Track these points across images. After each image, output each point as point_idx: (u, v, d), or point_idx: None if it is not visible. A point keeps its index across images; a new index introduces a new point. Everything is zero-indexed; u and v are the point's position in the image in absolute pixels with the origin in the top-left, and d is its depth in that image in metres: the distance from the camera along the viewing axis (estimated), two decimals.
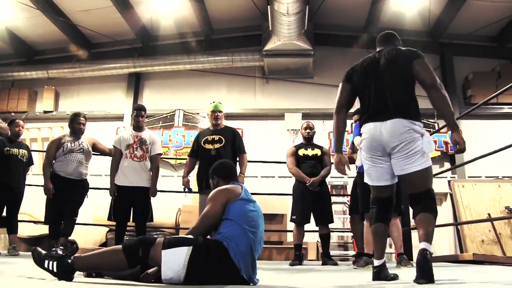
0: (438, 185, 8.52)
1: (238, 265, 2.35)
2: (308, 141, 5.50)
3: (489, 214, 7.68)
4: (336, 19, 10.11)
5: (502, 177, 9.18)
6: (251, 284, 2.40)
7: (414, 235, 7.39)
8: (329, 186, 6.42)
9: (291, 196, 5.47)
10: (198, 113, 10.36)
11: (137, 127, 5.09)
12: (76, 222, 5.04)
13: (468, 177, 9.17)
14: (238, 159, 5.03)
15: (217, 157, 4.42)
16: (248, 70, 10.53)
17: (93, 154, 5.28)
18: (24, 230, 7.21)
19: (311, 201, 5.15)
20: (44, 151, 5.29)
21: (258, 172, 9.42)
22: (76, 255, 2.33)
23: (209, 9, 9.77)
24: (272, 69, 10.36)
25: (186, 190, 4.96)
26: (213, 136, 4.82)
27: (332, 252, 5.83)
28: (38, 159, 9.75)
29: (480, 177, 9.18)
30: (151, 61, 10.28)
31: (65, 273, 2.26)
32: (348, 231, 8.07)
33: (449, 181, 8.88)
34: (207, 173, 4.32)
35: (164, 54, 10.34)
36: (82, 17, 9.68)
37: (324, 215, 5.21)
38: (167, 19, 9.67)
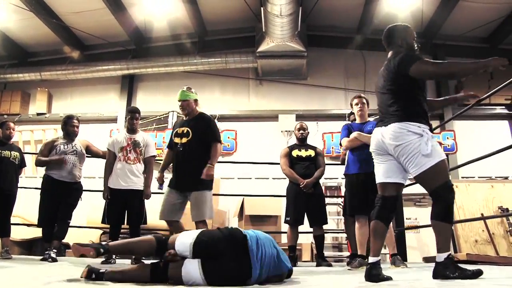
0: None
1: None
2: (302, 142, 5.50)
3: (482, 214, 7.71)
4: (330, 20, 10.14)
5: (495, 177, 9.24)
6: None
7: (408, 236, 7.44)
8: (323, 187, 6.43)
9: (285, 198, 5.46)
10: None
11: (131, 129, 5.07)
12: (70, 224, 5.01)
13: (461, 177, 9.23)
14: None
15: (184, 153, 4.14)
16: (242, 72, 10.53)
17: (86, 156, 5.26)
18: (17, 233, 7.17)
19: (305, 202, 5.14)
20: (37, 154, 5.24)
21: (252, 173, 9.44)
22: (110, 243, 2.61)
23: (202, 11, 9.77)
24: (266, 71, 10.37)
25: (159, 186, 4.54)
26: (182, 129, 4.25)
27: (326, 253, 5.84)
28: (32, 162, 9.70)
29: (473, 177, 9.24)
30: (145, 63, 10.27)
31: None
32: (342, 232, 8.09)
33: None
34: (176, 169, 4.22)
35: (158, 55, 10.33)
36: (75, 19, 9.65)
37: (318, 216, 5.21)
38: (160, 21, 9.66)
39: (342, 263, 6.38)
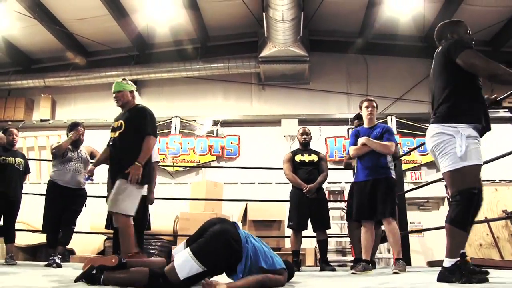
0: (436, 190, 8.56)
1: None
2: (305, 147, 5.50)
3: (486, 218, 7.68)
4: (331, 25, 10.17)
5: (499, 180, 9.20)
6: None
7: (412, 239, 7.42)
8: (326, 192, 6.42)
9: (288, 202, 5.46)
10: (195, 120, 10.38)
11: None
12: (74, 230, 5.02)
13: None
14: None
15: (114, 146, 3.89)
16: (244, 77, 10.56)
17: (90, 162, 5.28)
18: (22, 239, 7.18)
19: (308, 207, 5.14)
20: (41, 160, 5.26)
21: (255, 178, 9.45)
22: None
23: (204, 17, 9.81)
24: (268, 76, 10.40)
25: (85, 178, 4.39)
26: (117, 122, 3.98)
27: (330, 258, 5.83)
28: (35, 168, 9.74)
29: None
30: (147, 68, 10.31)
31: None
32: (346, 237, 8.07)
33: (446, 186, 8.89)
34: (110, 163, 3.98)
35: (160, 61, 10.38)
36: (79, 25, 9.72)
37: (321, 221, 5.21)
38: (163, 27, 9.70)
39: (346, 268, 6.38)
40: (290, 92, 10.55)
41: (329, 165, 5.92)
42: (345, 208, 6.07)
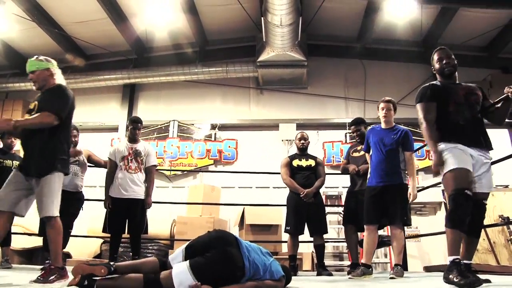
0: (432, 195, 8.57)
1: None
2: (302, 152, 5.52)
3: None
4: (330, 29, 10.20)
5: (496, 186, 9.22)
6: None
7: (409, 244, 7.42)
8: (323, 197, 6.43)
9: (285, 207, 5.46)
10: (193, 124, 10.38)
11: (133, 139, 5.11)
12: (71, 234, 5.01)
13: None
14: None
15: (25, 130, 3.35)
16: (243, 81, 10.58)
17: (88, 165, 5.28)
18: (18, 242, 7.16)
19: (305, 211, 5.15)
20: None
21: (253, 182, 9.44)
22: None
23: (203, 21, 9.83)
24: (267, 80, 10.42)
25: None
26: (33, 103, 3.54)
27: (327, 263, 5.83)
28: None
29: None
30: (146, 72, 10.30)
31: None
32: (343, 241, 8.07)
33: (443, 191, 8.91)
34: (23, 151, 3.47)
35: (159, 65, 10.38)
36: (77, 28, 9.72)
37: (318, 225, 5.22)
38: (161, 31, 9.71)
39: (343, 272, 6.37)
40: (288, 97, 10.56)
41: (327, 170, 5.93)
42: (342, 213, 6.08)
